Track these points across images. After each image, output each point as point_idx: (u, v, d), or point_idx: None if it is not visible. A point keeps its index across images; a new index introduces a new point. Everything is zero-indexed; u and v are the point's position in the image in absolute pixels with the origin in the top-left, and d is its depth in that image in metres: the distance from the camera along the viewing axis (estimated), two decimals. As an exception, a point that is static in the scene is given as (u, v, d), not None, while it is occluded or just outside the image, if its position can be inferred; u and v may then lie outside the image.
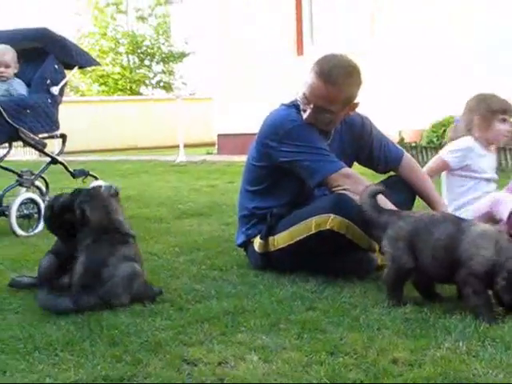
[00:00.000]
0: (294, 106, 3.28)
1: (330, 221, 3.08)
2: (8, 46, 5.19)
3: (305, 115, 3.22)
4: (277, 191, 3.37)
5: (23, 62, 5.27)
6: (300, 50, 12.08)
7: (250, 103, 12.48)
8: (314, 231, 3.14)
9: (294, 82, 10.90)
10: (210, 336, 2.38)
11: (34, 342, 2.36)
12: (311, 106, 3.18)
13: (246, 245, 3.48)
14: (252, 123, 12.02)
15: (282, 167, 3.26)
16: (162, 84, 29.92)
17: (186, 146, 12.55)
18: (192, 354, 2.20)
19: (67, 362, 2.16)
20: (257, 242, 3.37)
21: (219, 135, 13.88)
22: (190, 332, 2.43)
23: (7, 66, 5.14)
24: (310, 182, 3.23)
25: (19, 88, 5.12)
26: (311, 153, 3.17)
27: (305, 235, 3.18)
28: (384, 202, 2.95)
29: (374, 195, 2.88)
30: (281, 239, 3.27)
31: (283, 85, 11.49)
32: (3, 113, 4.73)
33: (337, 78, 3.14)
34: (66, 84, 5.47)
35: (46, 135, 5.28)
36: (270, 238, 3.31)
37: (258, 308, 2.70)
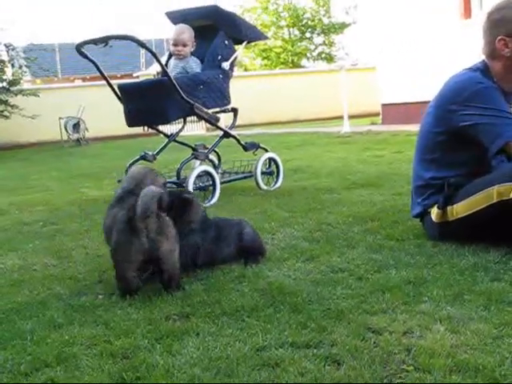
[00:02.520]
0: (479, 69, 3.15)
1: (514, 190, 2.93)
2: (185, 25, 5.39)
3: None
4: (454, 160, 3.25)
5: (196, 40, 5.46)
6: (467, 12, 11.54)
7: (414, 71, 12.15)
8: (495, 200, 3.00)
9: (460, 48, 10.49)
10: (392, 305, 2.36)
11: (222, 308, 2.46)
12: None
13: (423, 215, 3.40)
14: (417, 91, 11.80)
15: (461, 133, 3.14)
16: (323, 56, 29.84)
17: (350, 117, 12.47)
18: (376, 322, 2.20)
19: (254, 327, 2.23)
20: (434, 212, 3.27)
21: (383, 105, 13.66)
22: (371, 301, 2.42)
23: (185, 45, 5.35)
24: (490, 147, 3.08)
25: (195, 66, 5.32)
26: (496, 116, 3.02)
27: (485, 205, 3.04)
28: None
29: None
30: (460, 209, 3.16)
31: (449, 51, 11.08)
32: (179, 90, 4.92)
33: None
34: (235, 59, 5.60)
35: (218, 109, 5.44)
36: (449, 208, 3.20)
37: (439, 278, 2.63)
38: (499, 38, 3.12)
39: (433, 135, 3.29)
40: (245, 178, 5.69)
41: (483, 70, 3.15)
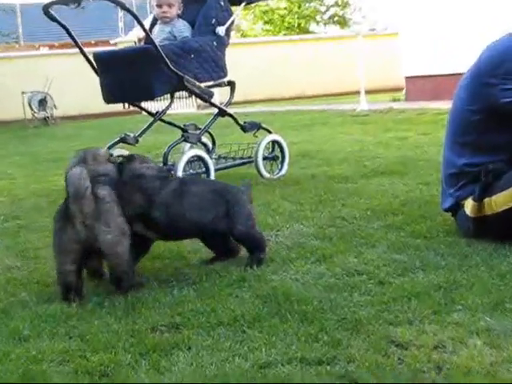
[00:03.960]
0: (523, 36, 3.15)
1: None
2: (170, -18, 5.38)
3: None
4: (492, 143, 3.26)
5: (186, 0, 5.45)
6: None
7: (445, 37, 12.11)
8: (543, 191, 3.01)
9: (503, 8, 10.43)
10: (419, 315, 2.37)
11: (217, 317, 2.47)
12: None
13: (455, 209, 3.41)
14: (448, 61, 11.77)
15: (500, 111, 3.14)
16: (335, 19, 29.79)
17: (367, 92, 12.46)
18: (400, 335, 2.21)
19: (256, 340, 2.24)
20: (469, 205, 3.28)
21: (407, 78, 13.63)
22: (395, 309, 2.43)
23: (170, 5, 5.34)
24: None
25: (184, 29, 5.31)
26: (542, 91, 3.03)
27: (531, 196, 3.06)
28: None
29: None
30: (500, 201, 3.16)
31: (489, 12, 11.06)
32: (166, 60, 4.89)
33: None
34: (232, 23, 5.59)
35: (211, 83, 5.43)
36: (486, 200, 3.21)
37: (475, 283, 2.64)
38: None
39: (467, 114, 3.29)
40: (244, 164, 5.70)
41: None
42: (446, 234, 3.38)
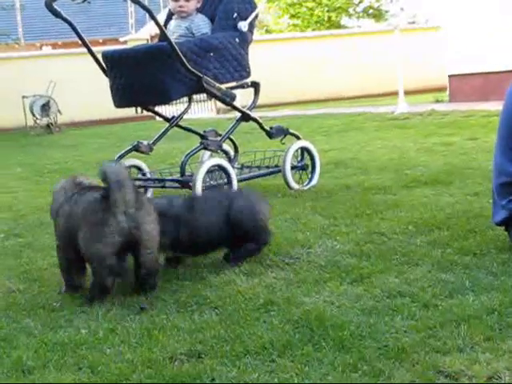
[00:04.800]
0: None
1: None
2: (189, -26, 5.41)
3: None
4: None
5: (204, -7, 5.48)
6: None
7: (495, 31, 12.07)
8: None
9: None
10: (470, 341, 2.35)
11: (243, 344, 2.47)
12: None
13: (508, 222, 3.40)
14: (499, 57, 11.72)
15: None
16: (370, 12, 29.79)
17: (406, 92, 12.44)
18: (449, 364, 2.19)
19: (287, 370, 2.24)
20: (524, 218, 3.27)
21: (452, 76, 13.59)
22: (442, 336, 2.42)
23: (187, 0, 5.36)
24: None
25: (202, 25, 5.33)
26: None
27: None
28: None
29: None
30: (558, 213, 3.15)
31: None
32: (183, 59, 4.90)
33: None
34: (256, 17, 5.60)
35: (233, 84, 5.45)
36: (543, 212, 3.20)
37: (533, 306, 2.63)
38: None
39: (522, 115, 3.29)
40: (270, 174, 5.71)
41: None
42: (499, 251, 3.36)
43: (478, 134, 7.74)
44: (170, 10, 5.65)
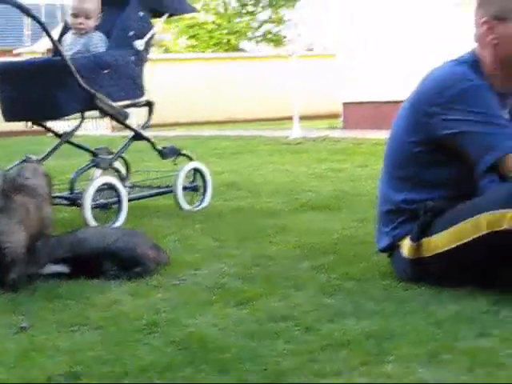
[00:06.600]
0: (467, 62, 3.23)
1: (508, 219, 3.01)
2: (91, -9, 5.36)
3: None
4: (433, 178, 3.31)
5: (102, 7, 5.43)
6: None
7: (387, 61, 12.36)
8: (484, 232, 3.07)
9: (449, 32, 10.68)
10: (349, 366, 2.38)
11: (124, 366, 2.43)
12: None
13: (392, 249, 3.45)
14: (390, 87, 11.98)
15: (442, 144, 3.21)
16: (269, 36, 30.09)
17: (303, 117, 12.61)
18: (327, 388, 2.22)
19: (167, 393, 2.23)
20: (406, 246, 3.33)
21: (345, 104, 13.84)
22: (322, 359, 2.44)
23: (88, 17, 5.32)
24: (479, 163, 3.15)
25: (100, 44, 5.28)
26: (487, 123, 3.10)
27: (472, 237, 3.11)
28: None
29: None
30: (439, 242, 3.22)
31: (434, 35, 11.33)
32: (76, 75, 4.86)
33: None
34: (152, 37, 5.59)
35: (127, 103, 5.42)
36: (424, 241, 3.26)
37: (410, 331, 2.67)
38: (483, 20, 3.22)
39: (406, 145, 3.35)
40: (161, 194, 5.69)
41: (472, 62, 3.23)
42: (382, 277, 3.42)
43: (367, 161, 7.89)
44: (65, 22, 5.58)
